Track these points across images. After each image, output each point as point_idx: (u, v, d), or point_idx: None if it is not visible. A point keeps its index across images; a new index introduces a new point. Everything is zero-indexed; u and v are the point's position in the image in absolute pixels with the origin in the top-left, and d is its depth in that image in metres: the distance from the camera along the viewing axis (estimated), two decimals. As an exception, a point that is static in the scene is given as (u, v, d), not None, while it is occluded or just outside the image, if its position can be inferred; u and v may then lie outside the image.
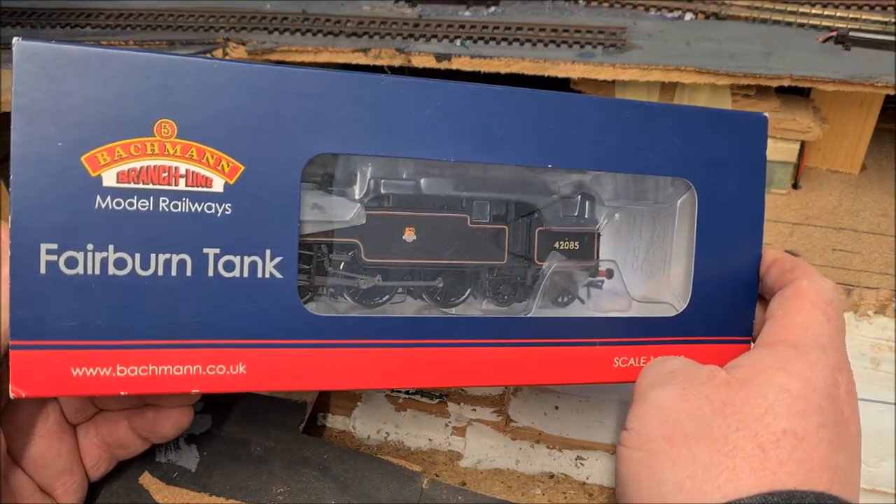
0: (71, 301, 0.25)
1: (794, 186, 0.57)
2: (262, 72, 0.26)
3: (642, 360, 0.30)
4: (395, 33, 0.56)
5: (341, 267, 0.31)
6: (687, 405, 0.26)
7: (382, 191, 0.31)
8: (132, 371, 0.26)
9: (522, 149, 0.28)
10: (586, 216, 0.35)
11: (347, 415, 0.41)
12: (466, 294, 0.34)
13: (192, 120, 0.25)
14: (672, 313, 0.31)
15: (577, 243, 0.34)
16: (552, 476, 0.38)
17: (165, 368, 0.26)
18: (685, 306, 0.31)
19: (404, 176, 0.32)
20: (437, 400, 0.41)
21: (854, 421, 0.26)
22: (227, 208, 0.26)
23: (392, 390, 0.41)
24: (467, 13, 0.61)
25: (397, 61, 0.53)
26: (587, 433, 0.39)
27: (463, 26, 0.56)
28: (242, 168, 0.26)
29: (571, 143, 0.29)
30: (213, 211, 0.26)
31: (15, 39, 0.24)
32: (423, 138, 0.27)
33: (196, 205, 0.25)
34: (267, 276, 0.26)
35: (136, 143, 0.25)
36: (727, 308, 0.31)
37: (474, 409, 0.40)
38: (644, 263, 0.36)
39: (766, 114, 0.31)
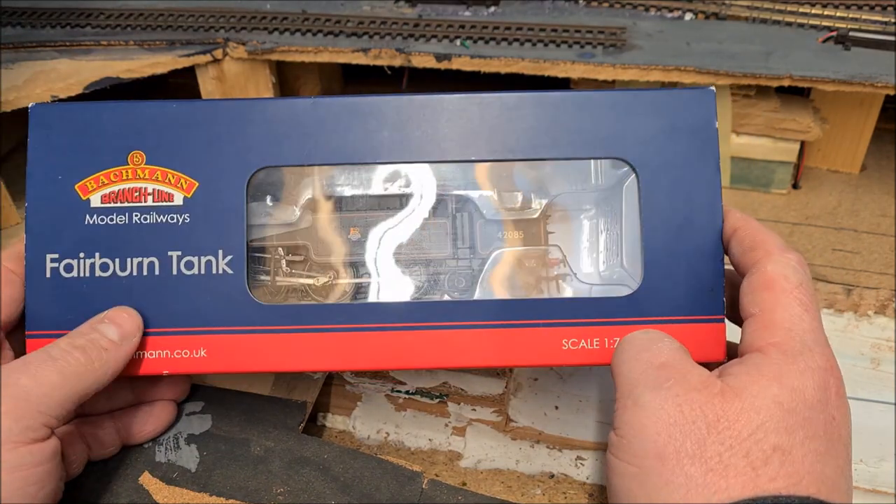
0: (69, 299, 0.31)
1: (794, 186, 0.57)
2: (206, 106, 0.32)
3: (594, 342, 0.30)
4: (395, 33, 0.56)
5: (297, 267, 0.35)
6: (682, 418, 0.25)
7: (326, 196, 0.35)
8: None
9: (447, 148, 0.31)
10: (532, 205, 0.36)
11: (347, 415, 0.41)
12: (423, 285, 0.35)
13: (158, 149, 0.31)
14: (629, 292, 0.31)
15: (521, 232, 0.35)
16: (552, 476, 0.38)
17: (140, 353, 0.31)
18: (638, 286, 0.31)
19: (345, 181, 0.35)
20: (437, 400, 0.41)
21: (844, 423, 0.26)
22: (186, 217, 0.31)
23: (392, 390, 0.41)
24: (467, 13, 0.61)
25: (397, 61, 0.53)
26: (587, 433, 0.39)
27: (463, 26, 0.56)
28: (197, 184, 0.31)
29: (502, 138, 0.31)
30: (174, 220, 0.31)
31: (31, 104, 0.31)
32: (353, 146, 0.31)
33: (161, 216, 0.31)
34: (220, 271, 0.31)
35: (115, 171, 0.31)
36: (689, 286, 0.30)
37: (474, 409, 0.40)
38: (610, 246, 0.37)
39: (713, 88, 0.31)
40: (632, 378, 0.27)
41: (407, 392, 0.41)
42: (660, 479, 0.25)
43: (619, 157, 0.31)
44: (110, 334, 0.30)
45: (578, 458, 0.39)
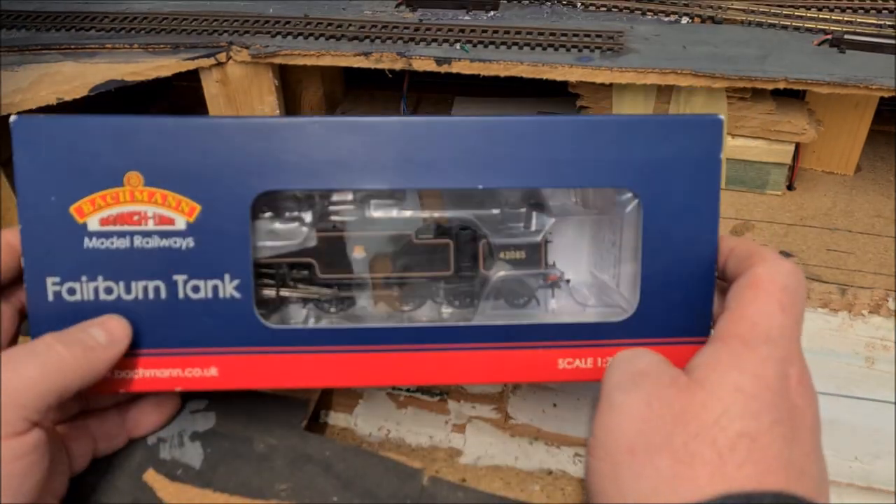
0: (74, 322, 0.30)
1: (789, 188, 0.57)
2: (204, 124, 0.30)
3: (588, 361, 0.31)
4: (396, 37, 0.56)
5: (302, 283, 0.36)
6: (650, 413, 0.26)
7: (331, 216, 0.35)
8: (127, 374, 0.31)
9: (451, 173, 0.31)
10: (533, 226, 0.36)
11: (349, 412, 0.42)
12: (422, 302, 0.36)
13: (155, 170, 0.30)
14: (623, 317, 0.31)
15: (522, 252, 0.36)
16: (550, 472, 0.39)
17: (153, 372, 0.31)
18: (633, 311, 0.31)
19: (352, 200, 0.36)
20: (438, 398, 0.41)
21: (809, 411, 0.26)
22: (190, 242, 0.30)
23: (393, 388, 0.42)
24: (467, 17, 0.61)
25: (398, 65, 0.54)
26: (584, 430, 0.40)
27: (463, 30, 0.57)
28: (199, 208, 0.30)
29: (506, 164, 0.31)
30: (178, 245, 0.30)
31: (12, 117, 0.29)
32: (355, 170, 0.30)
33: (164, 240, 0.30)
34: (228, 296, 0.31)
35: (112, 193, 0.30)
36: (681, 310, 0.31)
37: (474, 407, 0.41)
38: (608, 269, 0.37)
39: (722, 116, 0.31)
40: (611, 383, 0.28)
41: (407, 390, 0.42)
42: (631, 473, 0.25)
43: (623, 185, 0.31)
44: (98, 336, 0.29)
45: (576, 454, 0.39)
